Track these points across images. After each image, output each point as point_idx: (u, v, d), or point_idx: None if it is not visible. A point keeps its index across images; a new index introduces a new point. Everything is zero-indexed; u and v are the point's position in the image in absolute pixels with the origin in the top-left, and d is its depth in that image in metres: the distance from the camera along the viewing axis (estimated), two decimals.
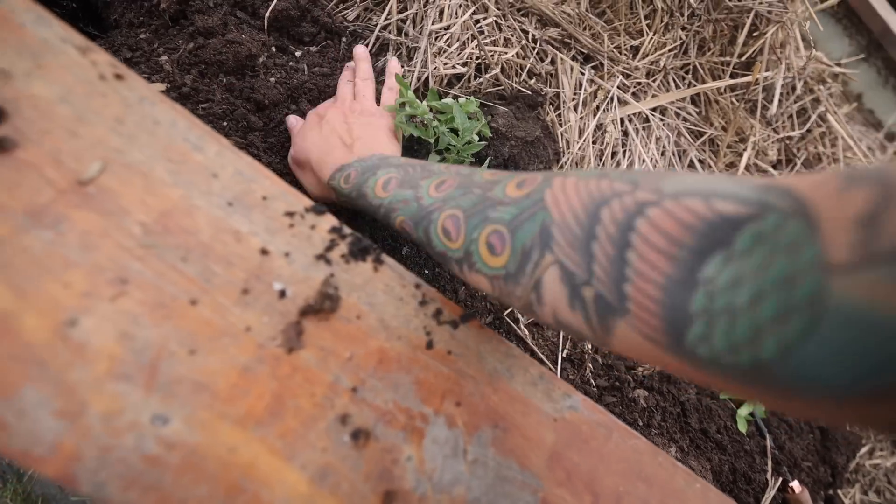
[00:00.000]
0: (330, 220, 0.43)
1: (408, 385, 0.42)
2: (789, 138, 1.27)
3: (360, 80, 0.68)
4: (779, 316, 0.21)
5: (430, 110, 0.75)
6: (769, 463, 1.00)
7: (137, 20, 0.71)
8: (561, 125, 0.86)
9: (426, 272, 0.75)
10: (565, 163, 0.86)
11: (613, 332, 0.29)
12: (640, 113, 0.96)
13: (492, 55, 0.82)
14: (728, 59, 1.15)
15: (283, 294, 0.39)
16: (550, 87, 0.88)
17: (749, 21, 1.15)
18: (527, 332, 0.86)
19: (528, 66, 0.86)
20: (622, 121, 0.92)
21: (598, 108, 0.90)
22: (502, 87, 0.85)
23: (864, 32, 2.00)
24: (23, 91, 0.35)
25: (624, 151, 0.90)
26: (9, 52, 0.35)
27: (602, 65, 0.94)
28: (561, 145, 0.86)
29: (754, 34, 1.18)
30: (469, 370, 0.46)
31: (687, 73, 1.11)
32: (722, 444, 0.97)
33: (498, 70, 0.82)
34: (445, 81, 0.82)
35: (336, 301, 0.40)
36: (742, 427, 1.00)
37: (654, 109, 0.99)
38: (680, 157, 1.00)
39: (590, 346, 0.92)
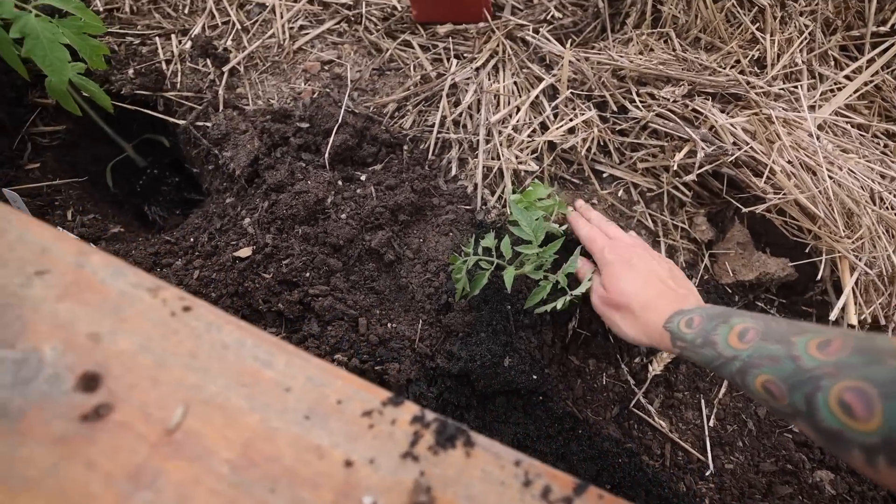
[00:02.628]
0: (410, 409, 0.39)
1: None
2: None
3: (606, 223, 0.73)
4: None
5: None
6: None
7: (222, 186, 0.77)
8: (758, 175, 0.76)
9: (534, 377, 0.69)
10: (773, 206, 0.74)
11: None
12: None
13: (564, 137, 0.76)
14: (863, 31, 0.94)
15: None
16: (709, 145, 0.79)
17: None
18: (663, 423, 0.74)
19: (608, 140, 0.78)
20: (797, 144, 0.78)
21: (770, 140, 0.77)
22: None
23: None
24: (110, 349, 0.37)
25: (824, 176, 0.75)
26: (95, 313, 0.38)
27: (738, 97, 0.82)
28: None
29: None
30: None
31: (824, 61, 0.93)
32: None
33: (584, 149, 0.75)
34: (522, 173, 0.77)
35: None
36: None
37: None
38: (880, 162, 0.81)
39: (743, 425, 0.77)
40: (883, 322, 0.73)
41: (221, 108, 0.78)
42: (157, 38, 0.81)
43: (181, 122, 0.76)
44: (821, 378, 0.35)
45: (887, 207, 0.77)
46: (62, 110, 0.75)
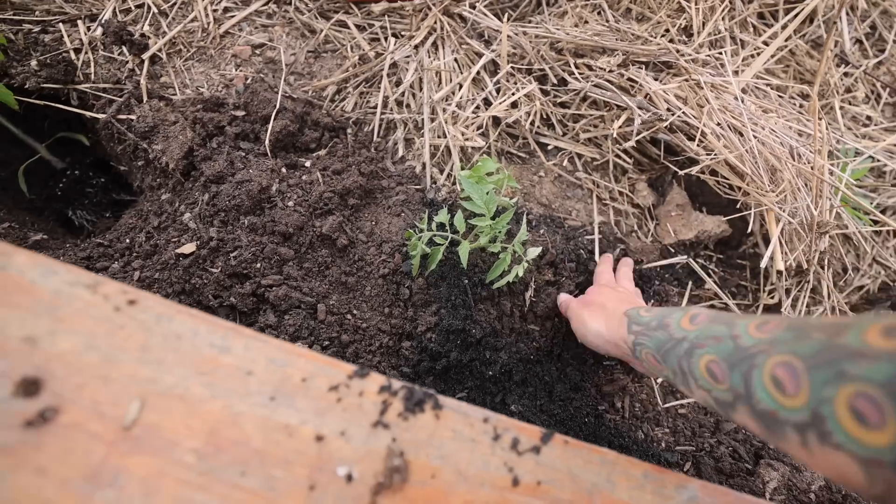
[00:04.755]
0: (377, 380, 0.40)
1: None
2: (865, 70, 1.11)
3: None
4: None
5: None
6: None
7: (156, 182, 0.74)
8: (692, 139, 0.80)
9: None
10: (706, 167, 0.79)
11: None
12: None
13: (507, 112, 0.78)
14: None
15: (349, 478, 0.37)
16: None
17: None
18: (622, 376, 0.79)
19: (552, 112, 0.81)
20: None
21: (699, 104, 0.82)
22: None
23: None
24: (50, 352, 0.36)
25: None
26: (28, 316, 0.36)
27: (668, 64, 0.87)
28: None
29: None
30: (565, 495, 0.42)
31: (745, 27, 1.00)
32: None
33: (527, 123, 0.78)
34: (469, 149, 0.79)
35: (405, 471, 0.37)
36: None
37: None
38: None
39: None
40: (805, 266, 0.82)
41: (146, 98, 0.74)
42: (60, 24, 0.76)
43: (101, 115, 0.72)
44: (756, 356, 0.36)
45: (805, 162, 0.85)
46: None
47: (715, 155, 0.81)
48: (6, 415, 0.34)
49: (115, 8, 0.79)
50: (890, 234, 1.09)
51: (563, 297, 0.75)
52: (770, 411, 0.34)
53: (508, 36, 0.85)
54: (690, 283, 0.90)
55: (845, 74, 1.08)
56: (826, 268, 0.85)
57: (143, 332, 0.37)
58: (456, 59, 0.84)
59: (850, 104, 1.08)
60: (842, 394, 0.29)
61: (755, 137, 0.82)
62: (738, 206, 0.85)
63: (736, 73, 0.91)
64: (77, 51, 0.75)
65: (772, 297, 0.90)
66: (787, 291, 0.87)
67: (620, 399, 0.79)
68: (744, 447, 0.78)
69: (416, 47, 0.84)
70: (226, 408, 0.37)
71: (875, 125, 1.08)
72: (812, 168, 0.83)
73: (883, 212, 1.07)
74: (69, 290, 0.38)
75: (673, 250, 0.91)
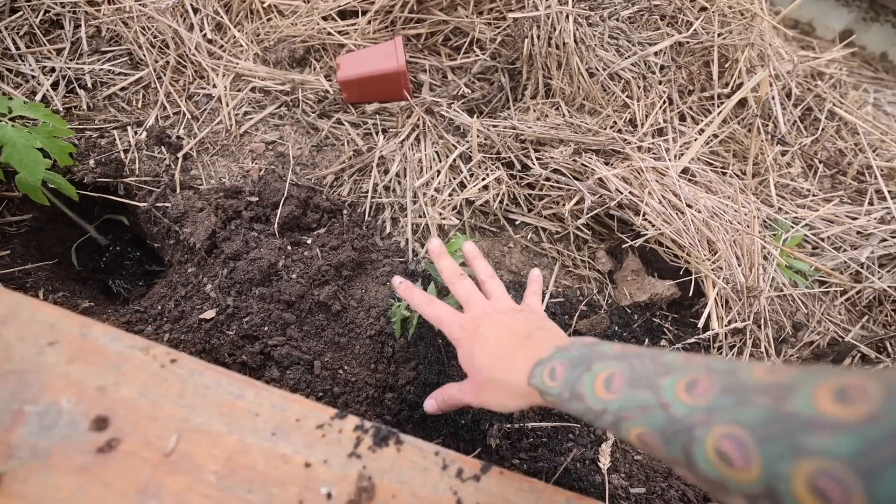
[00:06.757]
0: (353, 421, 0.54)
1: None
2: (801, 147, 1.29)
3: (489, 279, 0.69)
4: None
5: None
6: None
7: (183, 258, 0.90)
8: (638, 214, 0.96)
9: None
10: (651, 239, 0.94)
11: None
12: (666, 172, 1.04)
13: (479, 194, 0.95)
14: (712, 93, 1.22)
15: (329, 496, 0.50)
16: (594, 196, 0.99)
17: (716, 55, 1.23)
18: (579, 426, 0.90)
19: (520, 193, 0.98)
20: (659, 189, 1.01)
21: (642, 185, 0.99)
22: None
23: None
24: (115, 397, 0.50)
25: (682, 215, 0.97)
26: (100, 370, 0.51)
27: (617, 151, 1.05)
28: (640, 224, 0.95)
29: (727, 65, 1.25)
30: None
31: (683, 119, 1.19)
32: None
33: (496, 202, 0.95)
34: (446, 226, 0.95)
35: (371, 491, 0.50)
36: None
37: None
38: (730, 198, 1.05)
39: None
40: (741, 325, 0.95)
41: (178, 189, 0.92)
42: (114, 130, 0.95)
43: (142, 204, 0.90)
44: (693, 428, 0.34)
45: (739, 233, 1.00)
46: (27, 200, 0.86)
47: (656, 229, 0.97)
48: (84, 443, 0.48)
49: (157, 116, 0.99)
50: (837, 294, 1.22)
51: (441, 311, 0.66)
52: (717, 480, 0.32)
53: (479, 130, 1.04)
54: (647, 340, 1.03)
55: (782, 153, 1.25)
56: (763, 326, 0.98)
57: (181, 384, 0.52)
58: (435, 151, 1.02)
59: (791, 179, 1.24)
60: (800, 471, 0.28)
61: (691, 213, 0.98)
62: (680, 273, 1.00)
63: (677, 157, 1.08)
64: (125, 151, 0.94)
65: (720, 353, 1.02)
66: (731, 347, 0.99)
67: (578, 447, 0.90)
68: (692, 491, 0.88)
69: (401, 142, 1.02)
70: (239, 440, 0.50)
71: (813, 196, 1.24)
72: (744, 238, 0.97)
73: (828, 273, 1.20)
74: (129, 352, 0.52)
75: (630, 311, 1.04)
